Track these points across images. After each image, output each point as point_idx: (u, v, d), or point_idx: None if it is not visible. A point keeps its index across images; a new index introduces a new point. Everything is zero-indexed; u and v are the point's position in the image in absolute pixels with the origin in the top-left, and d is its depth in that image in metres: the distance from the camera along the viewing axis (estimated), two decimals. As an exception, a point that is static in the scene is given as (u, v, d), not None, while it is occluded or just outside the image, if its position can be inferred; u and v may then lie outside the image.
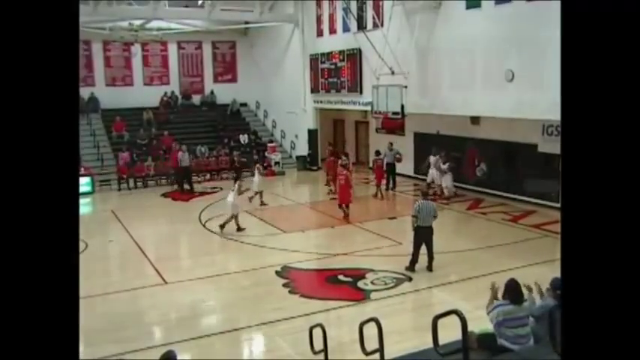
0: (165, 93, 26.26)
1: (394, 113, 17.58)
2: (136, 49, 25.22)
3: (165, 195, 19.85)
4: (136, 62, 26.08)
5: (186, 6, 23.17)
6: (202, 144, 23.62)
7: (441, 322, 5.04)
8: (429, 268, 10.88)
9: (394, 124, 20.44)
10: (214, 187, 20.74)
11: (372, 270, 11.07)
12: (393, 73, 17.47)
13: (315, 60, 23.13)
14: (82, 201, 17.73)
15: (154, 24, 22.88)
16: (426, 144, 19.96)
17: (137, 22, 22.39)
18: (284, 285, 10.50)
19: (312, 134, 24.24)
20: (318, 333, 6.61)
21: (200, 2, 22.80)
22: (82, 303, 10.52)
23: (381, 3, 18.92)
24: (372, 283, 10.50)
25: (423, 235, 10.74)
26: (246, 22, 25.29)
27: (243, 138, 25.15)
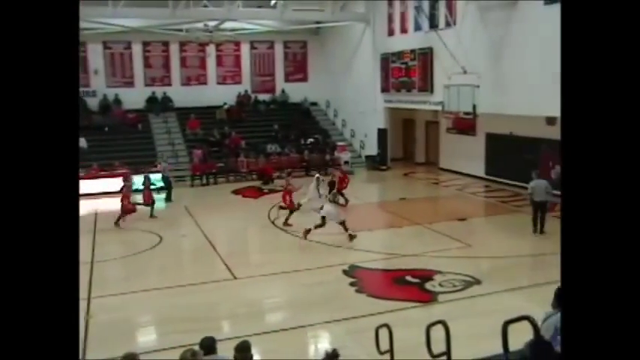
0: (240, 93, 26.93)
1: (466, 113, 17.26)
2: (211, 49, 25.92)
3: (234, 192, 20.32)
4: (210, 62, 26.82)
5: (259, 7, 23.56)
6: (273, 142, 24.01)
7: (511, 327, 4.89)
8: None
9: (465, 124, 20.05)
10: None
11: (440, 272, 10.92)
12: (465, 72, 17.13)
13: (385, 59, 22.95)
14: (158, 196, 18.29)
15: (228, 25, 23.41)
16: (498, 145, 19.53)
17: (212, 24, 22.96)
18: (351, 284, 10.52)
19: (381, 134, 24.09)
20: (384, 333, 6.57)
21: (273, 3, 23.12)
22: (153, 294, 10.67)
23: (454, 1, 18.59)
24: (439, 285, 10.35)
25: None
26: (318, 22, 25.61)
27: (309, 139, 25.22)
